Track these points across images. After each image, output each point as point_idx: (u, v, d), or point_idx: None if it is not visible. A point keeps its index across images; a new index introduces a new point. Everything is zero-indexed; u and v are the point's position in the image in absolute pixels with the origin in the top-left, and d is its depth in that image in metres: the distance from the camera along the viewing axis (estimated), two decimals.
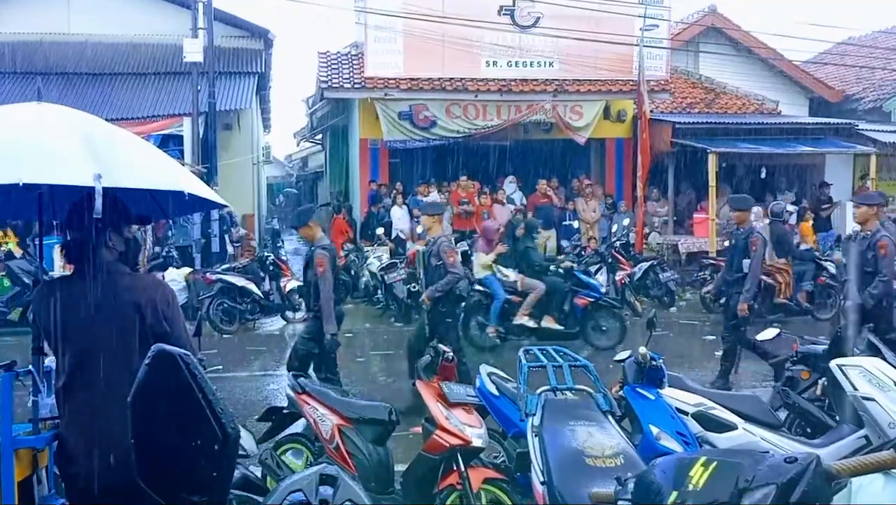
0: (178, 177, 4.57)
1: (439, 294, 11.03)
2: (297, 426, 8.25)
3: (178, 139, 22.38)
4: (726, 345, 12.05)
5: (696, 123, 23.82)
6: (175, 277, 17.49)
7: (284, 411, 8.22)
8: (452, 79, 22.83)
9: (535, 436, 5.84)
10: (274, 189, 55.92)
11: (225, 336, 16.64)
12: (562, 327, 14.96)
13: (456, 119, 23.06)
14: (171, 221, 20.57)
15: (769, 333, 9.58)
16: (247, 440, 6.42)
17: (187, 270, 18.45)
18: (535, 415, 6.01)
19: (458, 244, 19.35)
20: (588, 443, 5.55)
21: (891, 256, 10.68)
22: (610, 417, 6.02)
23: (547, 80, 23.31)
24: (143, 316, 4.32)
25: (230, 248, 22.81)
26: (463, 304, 11.89)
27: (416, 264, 12.57)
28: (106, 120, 4.85)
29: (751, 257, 11.87)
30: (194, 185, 4.60)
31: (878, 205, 11.15)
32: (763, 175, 23.49)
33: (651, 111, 23.11)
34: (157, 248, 20.19)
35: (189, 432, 3.57)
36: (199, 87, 21.94)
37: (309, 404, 7.71)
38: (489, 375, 7.80)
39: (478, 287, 15.20)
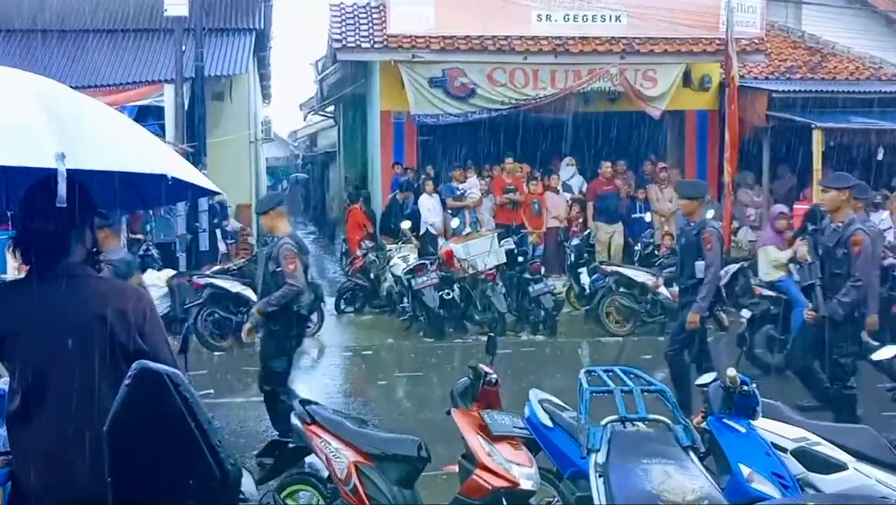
0: (159, 157, 4.54)
1: (273, 308, 10.85)
2: (306, 464, 8.28)
3: (159, 111, 22.49)
4: (673, 368, 11.80)
5: (797, 92, 23.69)
6: (155, 282, 17.59)
7: (290, 445, 8.25)
8: (496, 37, 22.84)
9: (600, 476, 5.84)
10: (279, 173, 56.15)
11: (216, 353, 16.73)
12: (878, 344, 14.65)
13: (500, 87, 23.05)
14: (150, 213, 20.68)
15: (888, 352, 9.51)
16: (245, 480, 6.44)
17: (170, 272, 18.55)
18: (599, 451, 6.01)
19: (504, 241, 19.39)
20: (665, 485, 5.55)
21: (866, 255, 10.45)
22: (692, 454, 6.02)
23: (613, 38, 23.27)
24: (112, 330, 4.27)
25: (222, 246, 22.88)
26: (303, 325, 11.60)
27: (256, 270, 12.39)
28: (70, 87, 4.85)
29: (705, 258, 11.60)
30: (179, 168, 4.58)
31: (850, 188, 10.88)
32: (881, 157, 23.31)
33: (741, 77, 23.00)
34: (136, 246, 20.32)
35: (180, 469, 3.58)
36: (183, 48, 22.03)
37: (320, 437, 7.73)
38: (541, 402, 7.80)
39: (767, 292, 15.07)
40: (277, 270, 10.88)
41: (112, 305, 4.34)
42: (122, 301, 4.39)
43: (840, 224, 10.52)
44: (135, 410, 3.60)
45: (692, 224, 11.93)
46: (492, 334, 9.05)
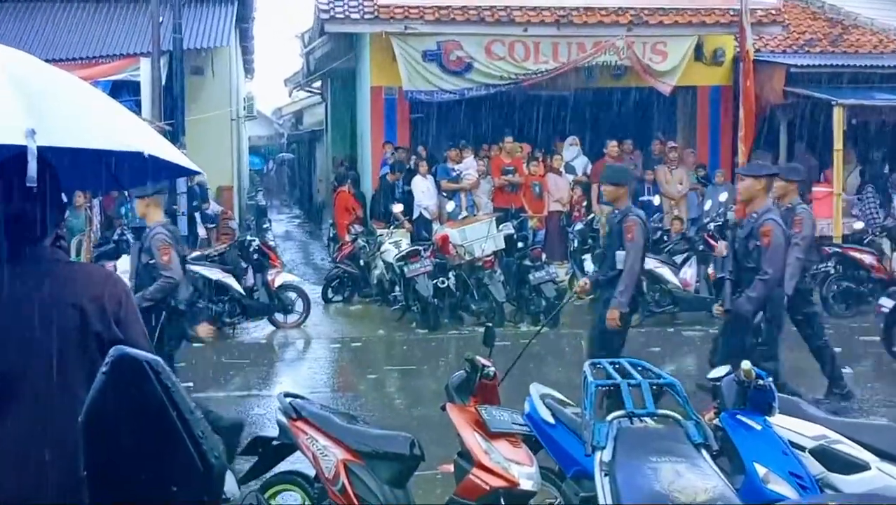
0: (135, 134, 4.50)
1: (148, 304, 10.57)
2: (291, 462, 8.29)
3: (134, 87, 22.46)
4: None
5: (817, 67, 23.70)
6: (130, 269, 17.58)
7: (274, 443, 8.22)
8: (494, 7, 22.80)
9: (605, 476, 5.85)
10: (266, 153, 56.14)
11: (196, 345, 16.71)
12: None
13: (498, 61, 23.03)
14: (125, 195, 20.67)
15: None
16: (227, 479, 6.44)
17: None
18: (604, 448, 6.02)
19: (502, 226, 19.38)
20: (675, 485, 5.55)
21: (777, 247, 10.32)
22: (703, 452, 6.02)
23: (620, 8, 23.25)
24: (87, 318, 4.24)
25: (202, 231, 22.88)
26: (182, 322, 11.37)
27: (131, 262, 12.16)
28: (42, 61, 4.82)
29: (626, 248, 11.26)
30: (156, 145, 4.55)
31: (767, 177, 10.80)
32: None
33: (757, 50, 22.99)
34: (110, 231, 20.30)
35: (160, 461, 3.56)
36: (160, 19, 22.00)
37: (306, 434, 7.71)
38: (542, 396, 7.79)
39: None
40: (151, 262, 10.83)
41: (87, 292, 4.30)
42: (97, 287, 4.34)
43: (754, 214, 10.49)
44: (112, 399, 3.58)
45: (616, 211, 11.73)
46: (489, 325, 9.05)
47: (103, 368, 3.60)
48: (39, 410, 4.18)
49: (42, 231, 4.37)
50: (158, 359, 3.63)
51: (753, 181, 10.59)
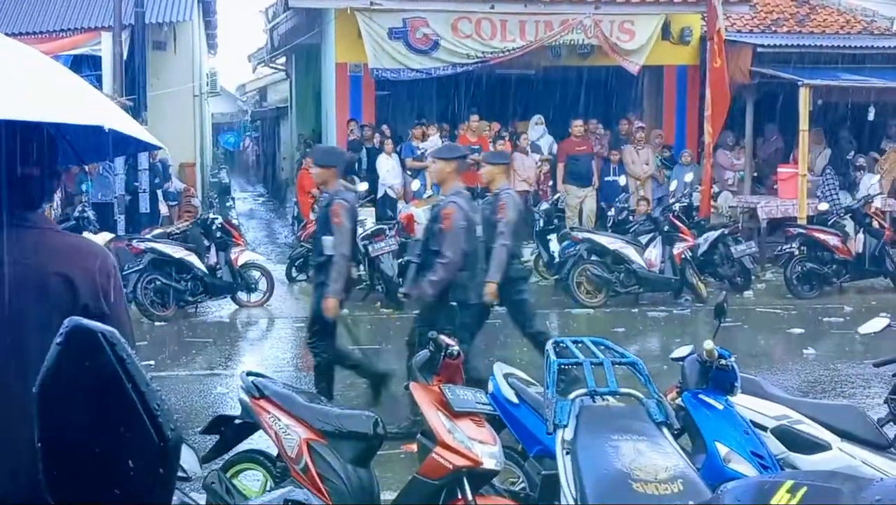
0: (95, 107, 4.48)
1: None
2: (253, 441, 8.30)
3: (95, 61, 22.34)
4: (318, 359, 11.57)
5: (784, 47, 23.76)
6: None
7: (236, 422, 8.22)
8: None
9: (567, 454, 5.88)
10: (241, 129, 55.91)
11: (158, 323, 16.70)
12: None
13: (465, 39, 22.96)
14: (86, 171, 20.57)
15: (876, 325, 9.54)
16: (188, 458, 6.43)
17: (107, 235, 18.46)
18: (566, 427, 6.05)
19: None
20: (636, 463, 5.59)
21: (456, 231, 10.36)
22: (665, 431, 6.06)
23: None
24: (76, 291, 4.19)
25: (164, 208, 22.81)
26: None
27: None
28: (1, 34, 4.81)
29: (334, 234, 11.04)
30: (117, 119, 4.53)
31: (457, 159, 10.93)
32: (871, 116, 23.40)
33: (725, 30, 23.05)
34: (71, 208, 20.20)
35: (115, 434, 3.56)
36: None
37: (268, 413, 7.71)
38: (506, 376, 7.82)
39: None
40: None
41: (78, 263, 4.22)
42: (89, 259, 4.26)
43: (442, 198, 10.62)
44: (66, 370, 3.56)
45: (325, 195, 11.65)
46: (454, 304, 9.07)
47: (57, 339, 3.58)
48: (23, 379, 4.16)
49: (41, 197, 4.36)
50: (114, 330, 3.60)
51: (444, 164, 10.71)
